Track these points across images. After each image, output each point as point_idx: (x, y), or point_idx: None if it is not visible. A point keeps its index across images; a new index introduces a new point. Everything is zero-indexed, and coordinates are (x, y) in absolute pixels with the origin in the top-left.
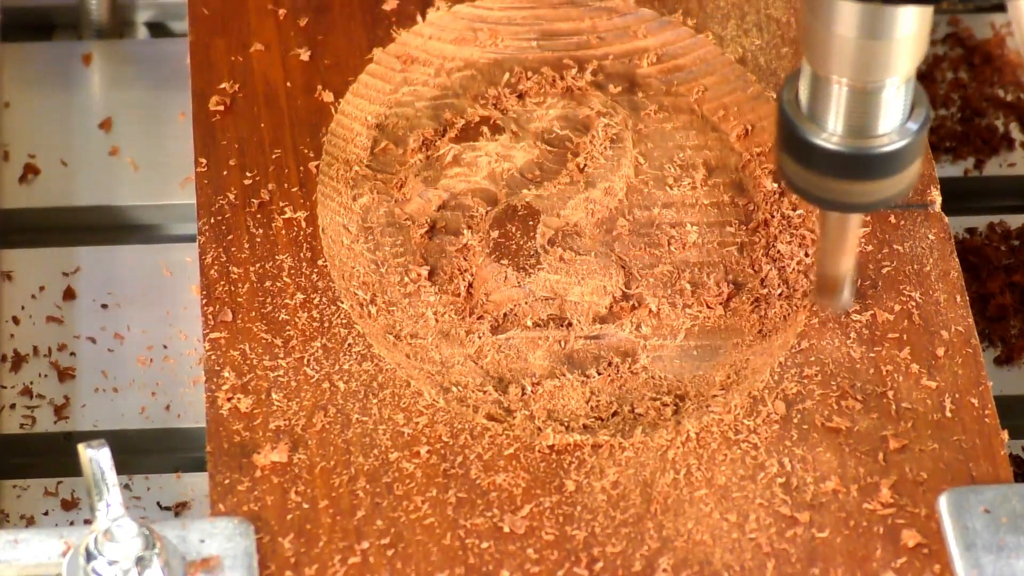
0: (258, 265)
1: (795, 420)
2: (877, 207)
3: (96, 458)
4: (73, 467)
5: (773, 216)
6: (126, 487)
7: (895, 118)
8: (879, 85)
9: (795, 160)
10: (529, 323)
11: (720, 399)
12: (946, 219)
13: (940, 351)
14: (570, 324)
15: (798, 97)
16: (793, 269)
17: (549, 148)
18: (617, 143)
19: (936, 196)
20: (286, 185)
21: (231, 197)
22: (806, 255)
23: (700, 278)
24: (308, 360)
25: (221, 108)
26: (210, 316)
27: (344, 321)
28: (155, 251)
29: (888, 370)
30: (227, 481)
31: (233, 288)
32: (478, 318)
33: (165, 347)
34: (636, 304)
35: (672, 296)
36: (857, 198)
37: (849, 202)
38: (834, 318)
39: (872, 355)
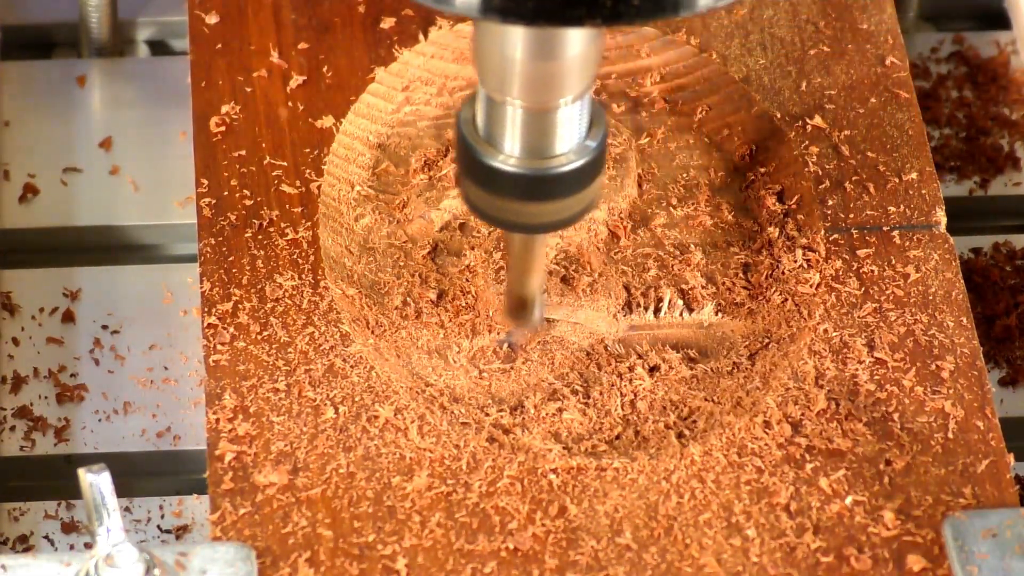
0: (259, 286)
1: (799, 442)
2: (560, 226)
3: (96, 483)
4: (73, 490)
5: (777, 236)
6: (126, 510)
7: (572, 137)
8: (553, 106)
9: (476, 183)
10: (532, 344)
11: (724, 421)
12: (951, 239)
13: (945, 373)
14: (573, 346)
15: (475, 119)
16: (798, 290)
17: None
18: (620, 163)
19: (941, 216)
20: (287, 206)
21: (232, 218)
22: (810, 275)
23: (704, 299)
24: (309, 382)
25: (222, 129)
26: (211, 338)
27: (345, 342)
28: (156, 271)
29: (893, 392)
30: (228, 505)
31: (234, 310)
32: (481, 339)
33: (166, 368)
34: (640, 325)
35: (676, 317)
36: (540, 219)
37: (533, 223)
38: (840, 340)
39: (877, 377)
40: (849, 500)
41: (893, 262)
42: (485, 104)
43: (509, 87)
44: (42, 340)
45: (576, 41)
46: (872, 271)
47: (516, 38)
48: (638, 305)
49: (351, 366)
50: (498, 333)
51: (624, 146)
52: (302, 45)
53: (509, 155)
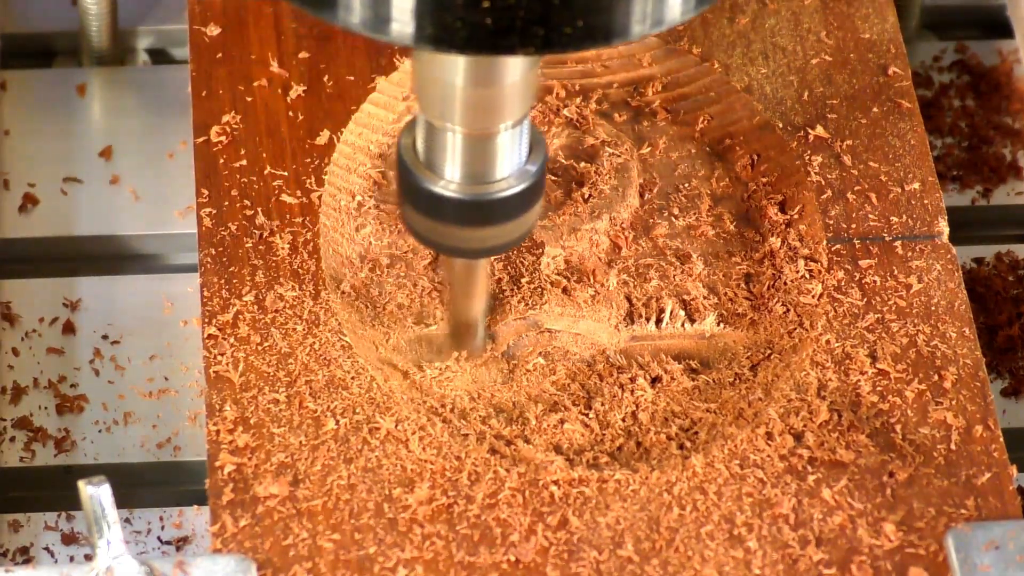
0: (260, 297)
1: (802, 454)
2: (500, 251)
3: (97, 495)
4: (74, 501)
5: (779, 247)
6: (127, 521)
7: (512, 162)
8: (492, 131)
9: (416, 208)
10: (533, 356)
11: (726, 433)
12: (953, 249)
13: (948, 384)
14: (575, 357)
15: (415, 144)
16: (800, 300)
17: (553, 178)
18: (622, 173)
19: (943, 226)
20: (288, 216)
21: (232, 228)
22: (812, 285)
23: (706, 310)
24: (310, 393)
25: (223, 139)
26: (211, 348)
27: (346, 353)
28: (156, 281)
29: (895, 403)
30: (228, 517)
31: (235, 320)
32: (482, 351)
33: (166, 379)
34: (641, 336)
35: (677, 328)
36: (481, 243)
37: (474, 248)
38: (842, 351)
39: (879, 388)
40: None
41: (895, 272)
42: (425, 130)
43: (449, 113)
44: (42, 350)
45: (514, 68)
46: (874, 281)
47: (455, 65)
48: (640, 316)
49: (352, 377)
50: (498, 344)
51: (626, 156)
52: (303, 54)
53: (450, 180)
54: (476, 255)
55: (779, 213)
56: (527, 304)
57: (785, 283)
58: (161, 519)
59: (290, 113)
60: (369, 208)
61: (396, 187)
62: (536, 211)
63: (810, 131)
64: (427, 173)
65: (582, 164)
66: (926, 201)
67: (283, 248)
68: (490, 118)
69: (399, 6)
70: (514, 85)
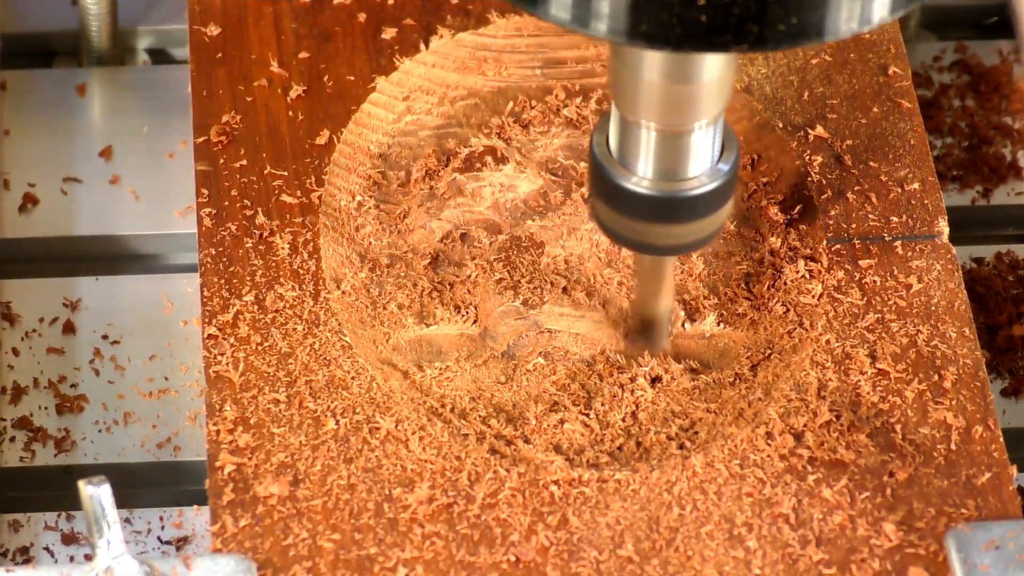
0: (260, 297)
1: (802, 453)
2: (690, 249)
3: (97, 495)
4: (74, 501)
5: (779, 246)
6: (127, 521)
7: (704, 160)
8: (687, 129)
9: (607, 203)
10: (533, 356)
11: (726, 433)
12: (953, 249)
13: (948, 384)
14: (575, 357)
15: (608, 140)
16: (800, 300)
17: (553, 178)
18: None
19: (943, 226)
20: (288, 216)
21: (232, 228)
22: (812, 285)
23: (706, 310)
24: (310, 393)
25: (223, 138)
26: (211, 348)
27: (346, 353)
28: (156, 281)
29: (895, 403)
30: (228, 517)
31: (235, 320)
32: (482, 351)
33: (166, 379)
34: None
35: (678, 328)
36: (670, 240)
37: (663, 245)
38: (842, 351)
39: (879, 388)
40: None
41: (895, 272)
42: (619, 125)
43: (645, 109)
44: (42, 350)
45: (714, 65)
46: (874, 281)
47: (655, 61)
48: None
49: (352, 377)
50: (498, 344)
51: None
52: (303, 54)
53: (642, 177)
54: (664, 252)
55: (779, 213)
56: (527, 304)
57: (785, 283)
58: (161, 519)
59: (290, 113)
60: (369, 208)
61: (587, 181)
62: (726, 210)
63: (810, 131)
64: (619, 168)
65: (582, 164)
66: (926, 201)
67: (283, 248)
68: (686, 115)
69: (614, 3)
70: (711, 82)
